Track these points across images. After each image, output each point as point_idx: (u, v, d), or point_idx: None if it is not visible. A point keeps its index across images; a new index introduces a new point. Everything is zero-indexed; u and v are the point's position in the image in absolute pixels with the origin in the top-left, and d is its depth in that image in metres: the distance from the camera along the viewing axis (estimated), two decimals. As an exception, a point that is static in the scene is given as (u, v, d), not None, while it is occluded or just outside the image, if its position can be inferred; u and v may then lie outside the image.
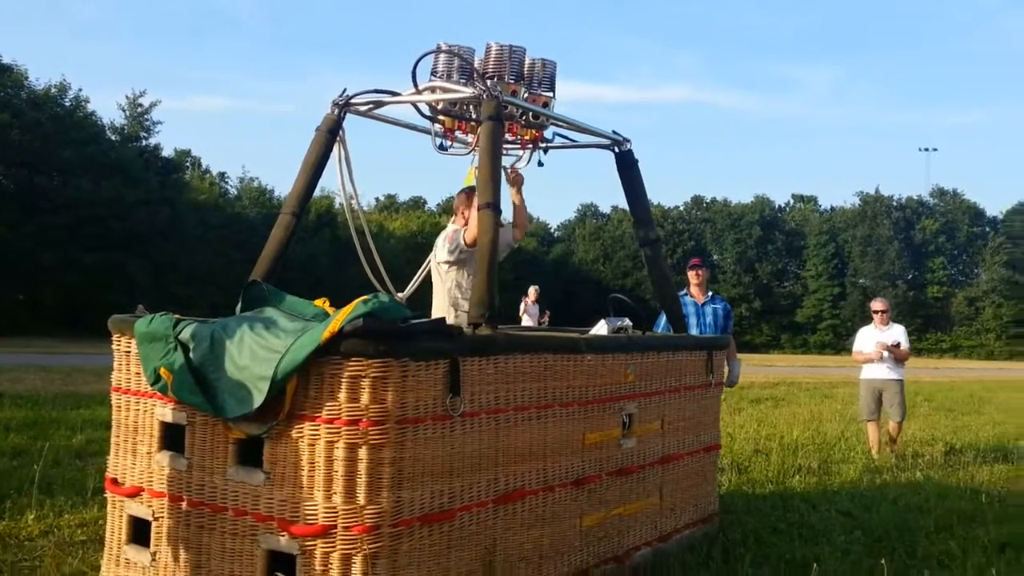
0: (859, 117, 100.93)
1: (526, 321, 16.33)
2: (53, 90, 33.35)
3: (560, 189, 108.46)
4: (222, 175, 44.53)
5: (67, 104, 33.68)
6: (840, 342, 52.04)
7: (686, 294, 7.80)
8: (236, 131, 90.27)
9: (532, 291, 17.52)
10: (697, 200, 65.94)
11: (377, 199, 63.09)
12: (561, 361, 4.13)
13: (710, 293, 8.02)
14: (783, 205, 66.79)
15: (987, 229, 60.97)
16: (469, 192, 5.26)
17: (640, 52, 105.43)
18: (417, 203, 64.17)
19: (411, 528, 3.33)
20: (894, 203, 61.33)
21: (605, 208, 66.59)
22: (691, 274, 7.99)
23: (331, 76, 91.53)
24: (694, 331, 7.49)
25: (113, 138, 35.37)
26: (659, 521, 5.01)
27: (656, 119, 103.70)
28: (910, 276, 59.94)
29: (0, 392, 10.77)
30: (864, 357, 9.59)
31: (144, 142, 36.69)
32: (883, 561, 4.58)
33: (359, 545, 3.21)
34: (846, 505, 6.79)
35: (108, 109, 75.80)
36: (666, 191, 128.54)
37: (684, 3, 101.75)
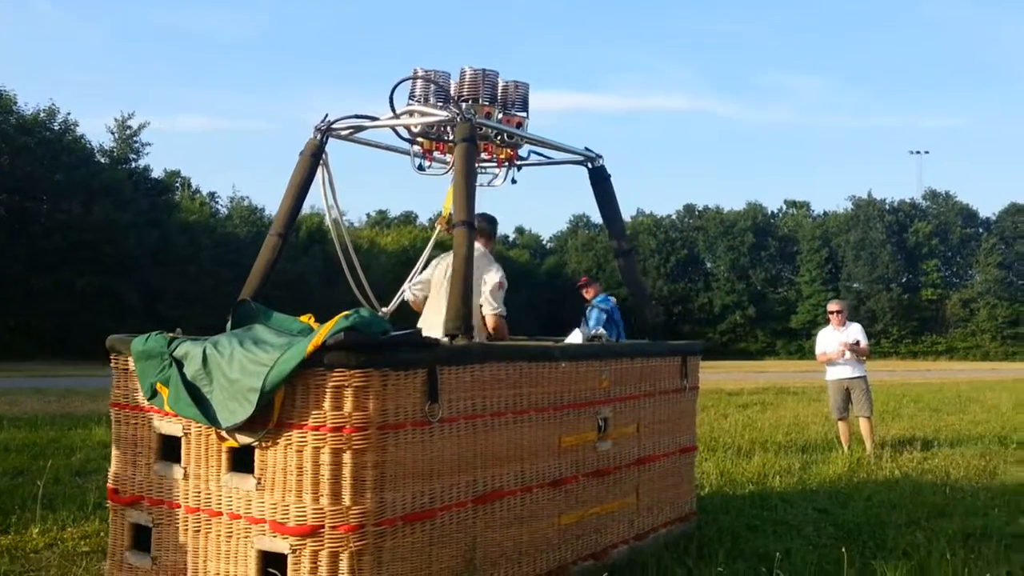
0: (850, 122, 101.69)
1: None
2: (42, 114, 33.59)
3: (552, 201, 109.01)
4: (212, 195, 44.77)
5: (56, 128, 33.90)
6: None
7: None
8: (226, 151, 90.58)
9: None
10: (689, 208, 66.38)
11: (368, 215, 63.39)
12: (536, 368, 4.37)
13: (601, 296, 9.60)
14: (776, 211, 67.31)
15: (980, 231, 61.40)
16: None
17: (631, 61, 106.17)
18: (408, 218, 64.50)
19: (394, 527, 3.56)
20: (886, 206, 61.75)
21: (598, 219, 66.87)
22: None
23: (319, 94, 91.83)
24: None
25: (103, 161, 35.59)
26: (636, 520, 5.23)
27: (647, 128, 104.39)
28: (904, 279, 60.35)
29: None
30: (827, 357, 10.07)
31: (133, 164, 36.92)
32: (843, 549, 4.83)
33: (345, 544, 3.44)
34: (823, 503, 7.03)
35: (97, 132, 76.16)
36: (658, 200, 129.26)
37: (673, 12, 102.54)
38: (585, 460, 4.75)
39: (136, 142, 37.14)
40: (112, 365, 4.12)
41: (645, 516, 5.33)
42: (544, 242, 68.61)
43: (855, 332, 10.09)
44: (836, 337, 10.05)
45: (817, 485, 7.90)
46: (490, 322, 5.21)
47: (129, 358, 3.96)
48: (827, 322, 10.44)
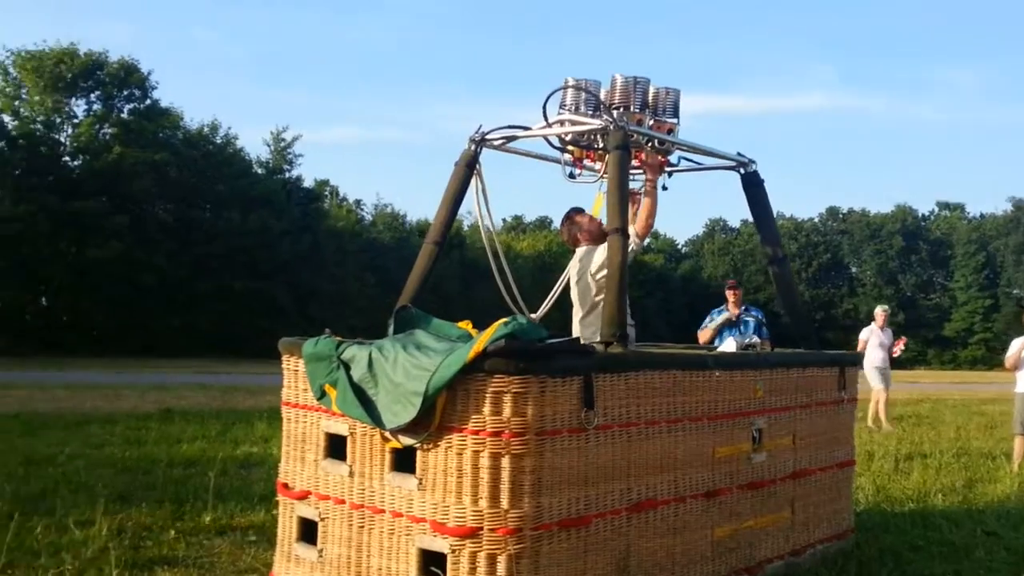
0: (1008, 117, 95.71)
1: (874, 350, 13.82)
2: (206, 129, 35.68)
3: (687, 205, 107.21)
4: (358, 202, 46.37)
5: (218, 142, 35.91)
6: (994, 357, 49.43)
7: (724, 308, 9.39)
8: (370, 160, 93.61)
9: (880, 312, 14.51)
10: (832, 211, 64.15)
11: (504, 220, 64.14)
12: (690, 377, 4.33)
13: (744, 307, 9.51)
14: (927, 214, 64.25)
15: None
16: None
17: (769, 60, 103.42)
18: (543, 223, 64.91)
19: (550, 532, 3.62)
20: (1050, 208, 57.99)
21: (734, 223, 65.56)
22: (729, 293, 9.55)
23: (455, 102, 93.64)
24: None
25: (259, 172, 37.42)
26: (791, 535, 5.10)
27: (787, 129, 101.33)
28: (1070, 285, 56.48)
29: (171, 408, 11.72)
30: (1012, 362, 9.48)
31: (287, 174, 38.64)
32: None
33: (504, 546, 3.51)
34: (991, 524, 6.65)
35: (255, 145, 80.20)
36: (799, 203, 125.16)
37: (814, 7, 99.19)
38: (739, 472, 4.67)
39: (289, 153, 38.92)
40: (283, 366, 4.35)
41: (801, 532, 5.19)
42: (679, 246, 67.64)
43: None
44: None
45: (984, 505, 7.48)
46: None
47: (299, 360, 4.17)
48: (1001, 333, 9.88)
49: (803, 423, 5.22)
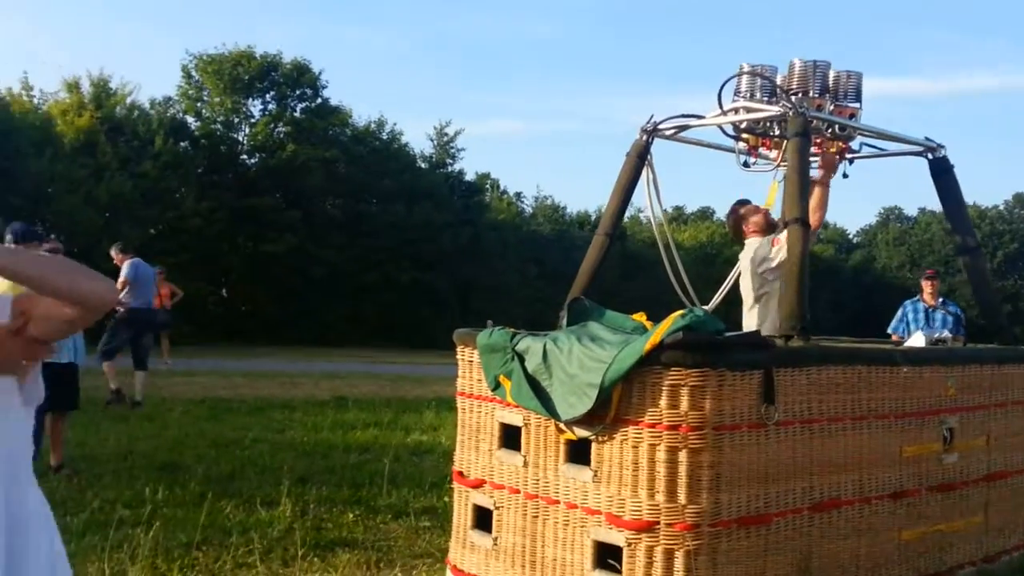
0: None
1: None
2: (372, 126, 36.90)
3: (859, 192, 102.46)
4: (518, 195, 46.82)
5: (384, 138, 37.10)
6: None
7: (919, 300, 9.10)
8: (530, 152, 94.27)
9: None
10: (1020, 198, 59.73)
11: (665, 211, 63.18)
12: (875, 373, 4.14)
13: (940, 299, 9.13)
14: None
15: None
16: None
17: (946, 41, 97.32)
18: (705, 214, 63.56)
19: (729, 529, 3.53)
20: None
21: (911, 211, 62.15)
22: (925, 284, 9.23)
23: (614, 95, 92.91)
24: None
25: (423, 166, 38.41)
26: (985, 540, 4.80)
27: (961, 112, 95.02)
28: None
29: (344, 396, 12.24)
30: None
31: (449, 168, 39.48)
32: None
33: (681, 541, 3.46)
34: None
35: (419, 140, 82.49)
36: (981, 190, 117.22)
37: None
38: (928, 473, 4.43)
39: (452, 148, 39.69)
40: (458, 357, 4.44)
41: (995, 537, 4.87)
42: (850, 236, 64.69)
43: None
44: None
45: None
46: None
47: (474, 351, 4.25)
48: None
49: (998, 423, 4.90)
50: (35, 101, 28.52)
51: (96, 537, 5.08)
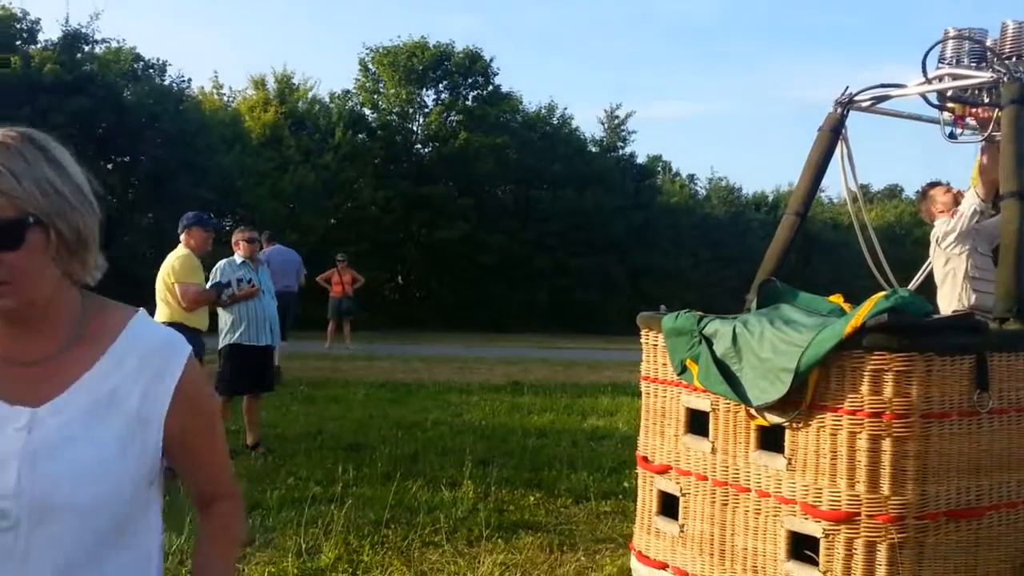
0: None
1: None
2: (543, 111, 37.11)
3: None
4: (691, 177, 45.91)
5: (555, 123, 37.23)
6: None
7: None
8: (703, 133, 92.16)
9: None
10: None
11: (849, 190, 60.32)
12: (1104, 359, 3.77)
13: None
14: None
15: None
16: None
17: None
18: (892, 192, 60.20)
19: (936, 522, 3.32)
20: None
21: None
22: None
23: (788, 73, 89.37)
24: None
25: (593, 150, 38.29)
26: None
27: None
28: None
29: (519, 381, 12.40)
30: None
31: (620, 152, 39.18)
32: None
33: (884, 534, 3.28)
34: None
35: (589, 123, 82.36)
36: None
37: None
38: None
39: (623, 131, 39.34)
40: (642, 340, 4.37)
41: None
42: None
43: None
44: None
45: None
46: None
47: (659, 334, 4.17)
48: None
49: None
50: (224, 99, 30.45)
51: (292, 512, 5.35)
